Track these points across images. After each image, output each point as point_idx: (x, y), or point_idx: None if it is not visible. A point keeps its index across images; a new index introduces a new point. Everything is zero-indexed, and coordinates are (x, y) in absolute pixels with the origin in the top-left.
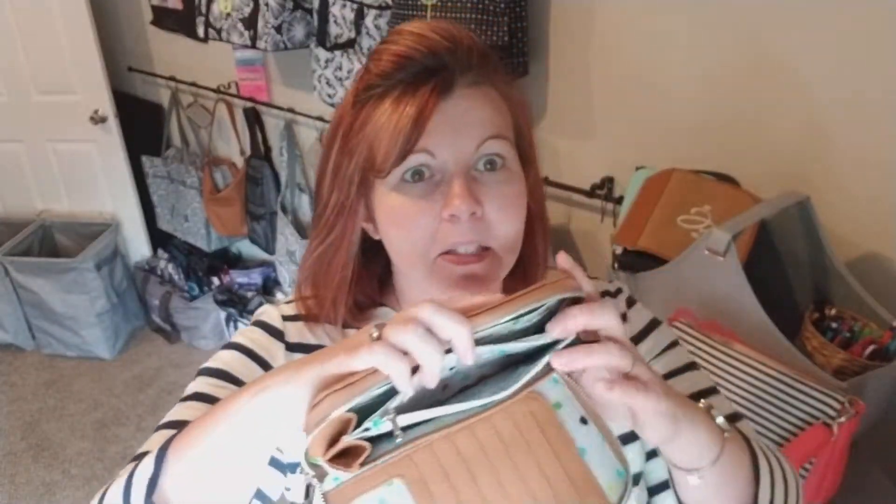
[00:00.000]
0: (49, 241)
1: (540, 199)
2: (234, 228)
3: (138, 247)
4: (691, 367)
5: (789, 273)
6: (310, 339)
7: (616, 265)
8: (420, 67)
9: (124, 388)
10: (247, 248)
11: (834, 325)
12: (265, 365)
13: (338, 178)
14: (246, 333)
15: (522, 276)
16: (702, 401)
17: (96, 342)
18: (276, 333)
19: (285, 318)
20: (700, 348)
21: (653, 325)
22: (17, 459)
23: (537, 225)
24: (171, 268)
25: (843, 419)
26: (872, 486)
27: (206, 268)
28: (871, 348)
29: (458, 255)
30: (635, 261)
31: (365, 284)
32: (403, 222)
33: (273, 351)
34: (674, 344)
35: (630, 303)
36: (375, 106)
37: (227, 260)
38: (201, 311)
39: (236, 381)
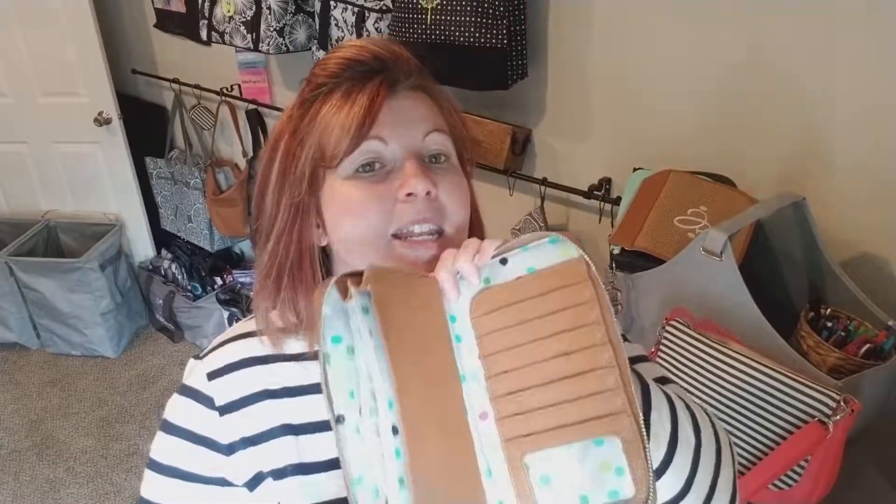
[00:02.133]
0: (54, 242)
1: (474, 203)
2: (237, 229)
3: (142, 247)
4: (640, 359)
5: (785, 273)
6: (250, 389)
7: (614, 265)
8: (366, 68)
9: (128, 387)
10: (249, 248)
11: (829, 324)
12: (209, 443)
13: (287, 180)
14: (178, 409)
15: None
16: None
17: (100, 341)
18: (205, 400)
19: (211, 376)
20: (697, 347)
21: None
22: (21, 457)
23: (476, 228)
24: (174, 268)
25: (838, 417)
26: (868, 485)
27: (209, 268)
28: (865, 347)
29: (412, 240)
30: (633, 261)
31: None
32: (358, 207)
33: (209, 422)
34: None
35: None
36: (324, 102)
37: (229, 260)
38: (204, 311)
39: (192, 477)
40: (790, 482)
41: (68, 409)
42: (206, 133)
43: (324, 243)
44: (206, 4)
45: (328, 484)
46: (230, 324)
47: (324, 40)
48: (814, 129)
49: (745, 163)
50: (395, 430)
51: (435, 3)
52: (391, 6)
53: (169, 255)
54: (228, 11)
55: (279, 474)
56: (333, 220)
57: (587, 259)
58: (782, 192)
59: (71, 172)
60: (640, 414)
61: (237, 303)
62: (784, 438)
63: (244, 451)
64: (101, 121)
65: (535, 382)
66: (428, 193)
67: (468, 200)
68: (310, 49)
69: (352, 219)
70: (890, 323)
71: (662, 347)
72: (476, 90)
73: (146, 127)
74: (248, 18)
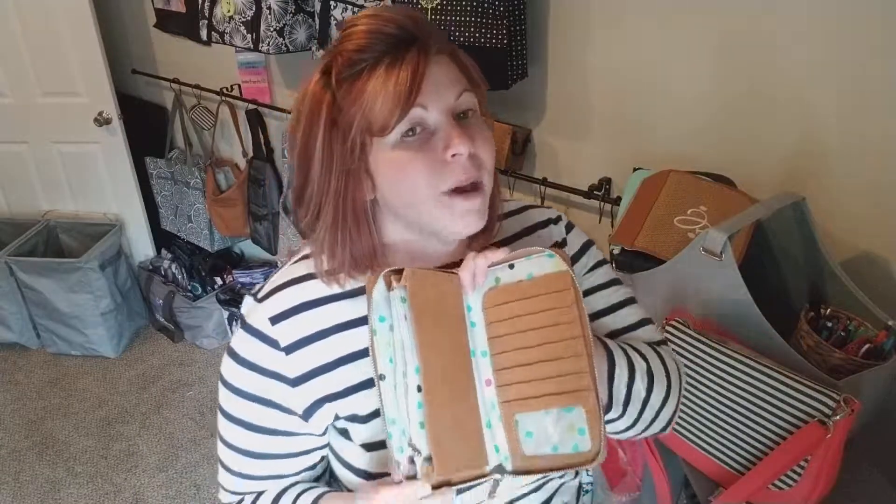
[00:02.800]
0: (54, 242)
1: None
2: (237, 229)
3: (142, 247)
4: (614, 283)
5: (785, 273)
6: (310, 329)
7: (614, 265)
8: (394, 39)
9: (128, 387)
10: (249, 248)
11: (829, 324)
12: (278, 377)
13: (335, 151)
14: (246, 344)
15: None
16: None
17: (100, 341)
18: (270, 342)
19: (274, 321)
20: (697, 347)
21: (587, 246)
22: (21, 457)
23: (494, 175)
24: (174, 268)
25: (838, 417)
26: (867, 485)
27: (209, 268)
28: (865, 347)
29: (462, 192)
30: (633, 261)
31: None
32: (410, 168)
33: (277, 360)
34: (601, 263)
35: (569, 228)
36: (369, 76)
37: (229, 260)
38: (204, 311)
39: (266, 402)
40: (790, 482)
41: (68, 409)
42: (206, 133)
43: (372, 197)
44: (206, 4)
45: None
46: (230, 324)
47: (324, 40)
48: (814, 129)
49: (745, 163)
50: (419, 389)
51: (435, 2)
52: (390, 6)
53: (169, 255)
54: (228, 11)
55: (343, 394)
56: (389, 185)
57: (572, 273)
58: (782, 192)
59: (71, 172)
60: (607, 387)
61: (237, 303)
62: (784, 438)
63: (309, 382)
64: (101, 121)
65: (527, 361)
66: (470, 152)
67: (495, 148)
68: (310, 49)
69: (405, 177)
70: (890, 323)
71: None
72: None
73: (146, 127)
74: (248, 18)
